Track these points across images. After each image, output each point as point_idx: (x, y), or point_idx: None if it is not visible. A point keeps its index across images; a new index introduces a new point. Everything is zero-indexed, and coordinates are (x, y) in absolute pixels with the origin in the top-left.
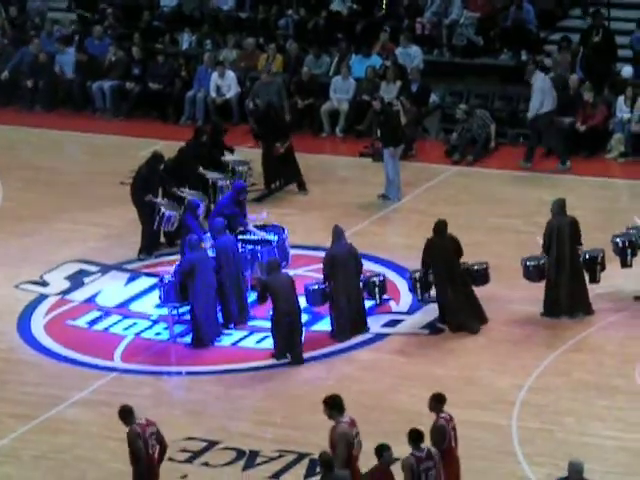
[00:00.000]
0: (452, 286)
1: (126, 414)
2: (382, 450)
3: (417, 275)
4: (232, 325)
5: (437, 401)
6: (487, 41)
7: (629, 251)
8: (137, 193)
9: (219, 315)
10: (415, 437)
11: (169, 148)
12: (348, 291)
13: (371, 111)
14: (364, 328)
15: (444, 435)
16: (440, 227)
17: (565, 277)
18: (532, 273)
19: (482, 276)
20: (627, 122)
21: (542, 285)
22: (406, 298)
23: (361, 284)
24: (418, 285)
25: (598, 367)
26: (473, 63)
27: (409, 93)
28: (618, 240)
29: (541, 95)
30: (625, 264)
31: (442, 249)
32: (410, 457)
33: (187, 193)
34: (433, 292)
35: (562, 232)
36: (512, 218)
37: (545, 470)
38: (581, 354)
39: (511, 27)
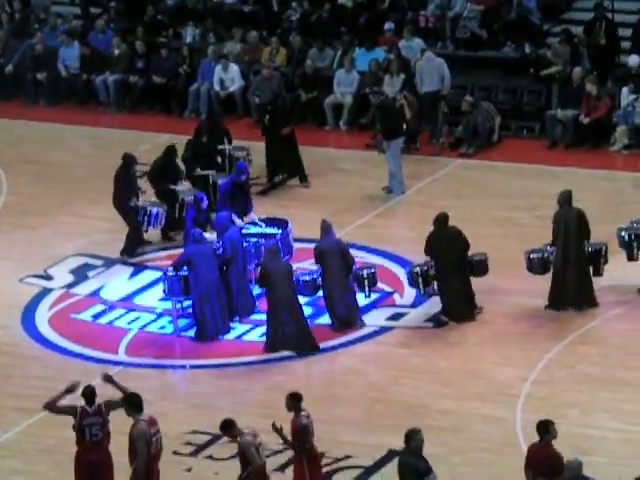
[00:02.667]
0: (454, 277)
1: (84, 394)
2: (548, 424)
3: (417, 270)
4: (237, 318)
5: (295, 400)
6: (490, 34)
7: (635, 244)
8: (118, 199)
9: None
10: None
11: (173, 141)
12: (336, 285)
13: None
14: (357, 323)
15: (309, 432)
16: (440, 219)
17: (572, 269)
18: (536, 266)
19: (481, 267)
20: (630, 113)
21: (546, 278)
22: (410, 291)
23: (351, 277)
24: (420, 280)
25: (602, 359)
26: (476, 56)
27: (412, 86)
28: (624, 234)
29: (420, 75)
30: (631, 258)
31: (443, 241)
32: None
33: (181, 189)
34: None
35: (569, 224)
36: (516, 211)
37: None
38: (585, 346)
39: (514, 20)
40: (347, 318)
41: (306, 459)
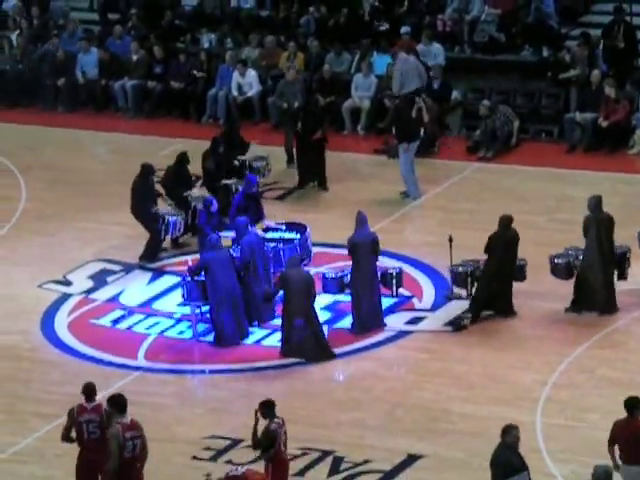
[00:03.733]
0: (497, 279)
1: (83, 391)
2: (637, 401)
3: (463, 270)
4: (256, 323)
5: (268, 407)
6: (508, 37)
7: None
8: (136, 207)
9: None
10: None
11: (191, 147)
12: (368, 281)
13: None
14: (381, 324)
15: (275, 439)
16: (504, 221)
17: (600, 273)
18: (561, 270)
19: (521, 272)
20: None
21: (566, 282)
22: (429, 295)
23: (378, 276)
24: (469, 280)
25: (622, 363)
26: (495, 59)
27: (431, 90)
28: None
29: (400, 77)
30: None
31: (503, 243)
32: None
33: (194, 195)
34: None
35: (601, 228)
36: (534, 215)
37: (569, 467)
38: (605, 350)
39: (532, 23)
40: (371, 318)
41: (272, 465)
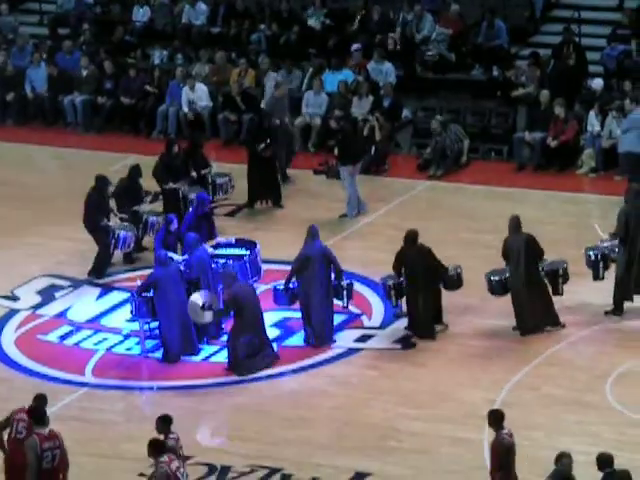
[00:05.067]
0: (419, 295)
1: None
2: None
3: (391, 282)
4: (205, 340)
5: (164, 422)
6: (459, 57)
7: (601, 264)
8: (89, 220)
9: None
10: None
11: (141, 162)
12: (314, 294)
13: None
14: (331, 340)
15: (174, 451)
16: (409, 237)
17: (524, 294)
18: (496, 287)
19: (456, 280)
20: (597, 136)
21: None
22: (378, 313)
23: (330, 290)
24: (393, 292)
25: (569, 382)
26: (445, 79)
27: (381, 108)
28: (591, 253)
29: (271, 96)
30: (597, 277)
31: (411, 258)
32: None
33: (143, 209)
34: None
35: (519, 249)
36: (483, 233)
37: None
38: (552, 368)
39: (482, 43)
40: (321, 330)
41: None
